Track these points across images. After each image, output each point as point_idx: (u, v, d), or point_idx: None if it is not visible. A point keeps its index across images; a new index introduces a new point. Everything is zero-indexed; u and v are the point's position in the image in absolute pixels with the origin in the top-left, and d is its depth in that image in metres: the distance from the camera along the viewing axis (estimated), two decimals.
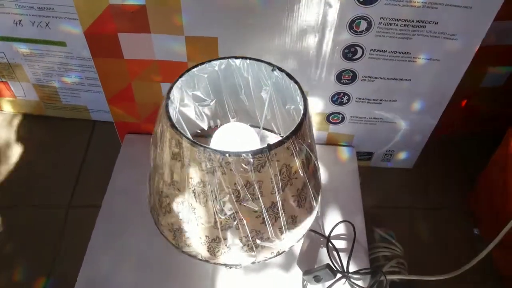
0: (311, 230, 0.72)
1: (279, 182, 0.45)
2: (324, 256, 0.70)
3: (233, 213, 0.45)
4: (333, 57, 0.71)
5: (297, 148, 0.44)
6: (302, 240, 0.71)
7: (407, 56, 0.71)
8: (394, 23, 0.66)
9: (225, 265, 0.51)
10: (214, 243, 0.49)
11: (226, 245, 0.48)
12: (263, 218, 0.47)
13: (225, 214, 0.46)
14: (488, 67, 0.85)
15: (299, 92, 0.48)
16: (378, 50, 0.70)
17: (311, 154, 0.49)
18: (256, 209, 0.45)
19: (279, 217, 0.48)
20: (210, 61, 0.51)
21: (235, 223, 0.46)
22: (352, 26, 0.67)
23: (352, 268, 0.67)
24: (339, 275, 0.65)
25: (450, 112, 0.91)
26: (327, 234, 0.71)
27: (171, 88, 0.48)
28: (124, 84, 0.78)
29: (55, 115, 0.99)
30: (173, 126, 0.43)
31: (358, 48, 0.70)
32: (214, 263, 0.51)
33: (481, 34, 0.66)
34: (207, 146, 0.41)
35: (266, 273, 0.69)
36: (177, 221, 0.49)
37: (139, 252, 0.70)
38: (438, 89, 0.76)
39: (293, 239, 0.51)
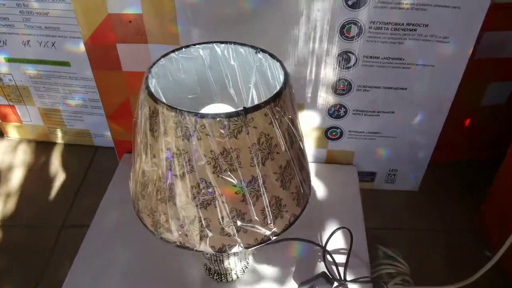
0: (307, 240, 0.69)
1: (258, 153, 0.43)
2: (321, 269, 0.65)
3: (211, 187, 0.44)
4: (327, 66, 0.72)
5: (277, 117, 0.43)
6: (297, 253, 0.69)
7: (401, 63, 0.71)
8: (384, 27, 0.67)
9: (205, 252, 0.48)
10: (192, 225, 0.46)
11: (205, 227, 0.46)
12: (243, 195, 0.45)
13: (203, 188, 0.44)
14: (487, 82, 0.83)
15: (281, 70, 0.48)
16: (371, 57, 0.70)
17: (295, 132, 0.47)
18: (235, 182, 0.43)
19: (260, 195, 0.45)
20: (194, 44, 0.51)
21: (213, 199, 0.44)
22: (343, 31, 0.68)
23: (350, 278, 0.62)
24: (335, 284, 0.60)
25: (453, 135, 0.89)
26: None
27: (153, 64, 0.48)
28: (122, 99, 0.79)
29: (59, 141, 1.01)
30: (150, 94, 0.43)
31: (351, 55, 0.70)
32: (194, 250, 0.48)
33: (473, 36, 0.66)
34: (182, 109, 0.41)
35: (260, 287, 0.65)
36: (155, 203, 0.47)
37: (125, 267, 0.68)
38: (435, 97, 0.74)
39: (278, 225, 0.48)
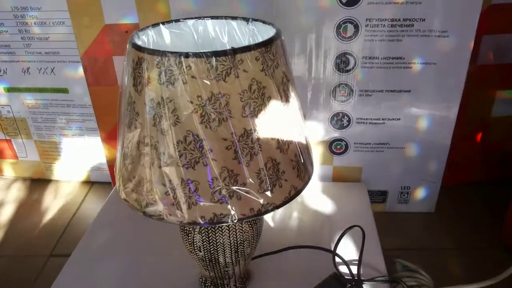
0: (315, 247, 0.62)
1: (251, 102, 0.40)
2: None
3: (199, 141, 0.39)
4: (326, 70, 0.70)
5: (269, 65, 0.40)
6: (305, 262, 0.61)
7: (401, 62, 0.69)
8: (381, 24, 0.66)
9: (194, 224, 0.42)
10: (179, 189, 0.41)
11: (193, 192, 0.41)
12: (235, 151, 0.40)
13: (189, 142, 0.40)
14: (495, 91, 0.81)
15: (274, 31, 0.46)
16: (370, 58, 0.69)
17: (291, 92, 0.44)
18: (225, 135, 0.39)
19: (255, 154, 0.41)
20: (185, 19, 0.50)
21: (202, 156, 0.40)
22: (340, 31, 0.67)
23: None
24: (349, 286, 0.52)
25: (465, 152, 0.85)
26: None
27: (141, 29, 0.47)
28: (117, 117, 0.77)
29: (55, 178, 0.97)
30: (134, 45, 0.41)
31: (349, 57, 0.69)
32: (181, 223, 0.42)
33: (471, 27, 0.65)
34: (165, 50, 0.38)
35: None
36: (139, 171, 0.43)
37: None
38: (441, 100, 0.71)
39: (277, 195, 0.43)
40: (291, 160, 0.44)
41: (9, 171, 0.98)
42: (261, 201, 0.42)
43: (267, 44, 0.40)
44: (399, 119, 0.74)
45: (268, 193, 0.42)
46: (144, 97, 0.40)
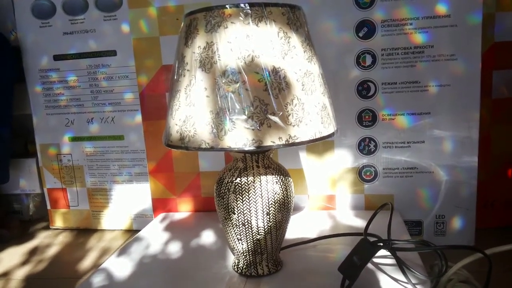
0: (345, 234, 0.62)
1: (278, 46, 0.49)
2: None
3: (236, 74, 0.47)
4: (349, 97, 0.79)
5: (293, 21, 0.50)
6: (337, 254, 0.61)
7: (418, 86, 0.77)
8: (395, 52, 0.76)
9: (230, 150, 0.47)
10: (218, 118, 0.48)
11: (230, 119, 0.47)
12: (266, 84, 0.48)
13: (228, 75, 0.48)
14: None
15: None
16: (389, 83, 0.78)
17: (313, 55, 0.53)
18: (258, 69, 0.47)
19: (282, 89, 0.48)
20: None
21: (238, 86, 0.47)
22: (359, 61, 0.78)
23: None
24: (380, 245, 0.52)
25: (498, 190, 0.86)
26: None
27: None
28: (166, 149, 0.86)
29: (100, 227, 1.03)
30: (187, 14, 0.52)
31: (370, 84, 0.78)
32: (220, 149, 0.47)
33: (476, 49, 0.74)
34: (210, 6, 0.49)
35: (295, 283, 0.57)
36: (184, 110, 0.50)
37: None
38: (461, 120, 0.76)
39: (302, 131, 0.48)
40: (315, 106, 0.51)
41: (59, 222, 1.05)
42: (288, 130, 0.48)
43: (292, 7, 0.51)
44: (423, 141, 0.79)
45: (295, 126, 0.48)
46: (193, 46, 0.50)
